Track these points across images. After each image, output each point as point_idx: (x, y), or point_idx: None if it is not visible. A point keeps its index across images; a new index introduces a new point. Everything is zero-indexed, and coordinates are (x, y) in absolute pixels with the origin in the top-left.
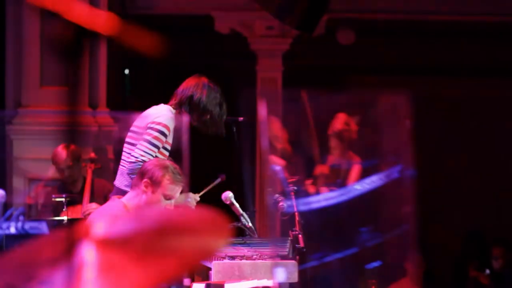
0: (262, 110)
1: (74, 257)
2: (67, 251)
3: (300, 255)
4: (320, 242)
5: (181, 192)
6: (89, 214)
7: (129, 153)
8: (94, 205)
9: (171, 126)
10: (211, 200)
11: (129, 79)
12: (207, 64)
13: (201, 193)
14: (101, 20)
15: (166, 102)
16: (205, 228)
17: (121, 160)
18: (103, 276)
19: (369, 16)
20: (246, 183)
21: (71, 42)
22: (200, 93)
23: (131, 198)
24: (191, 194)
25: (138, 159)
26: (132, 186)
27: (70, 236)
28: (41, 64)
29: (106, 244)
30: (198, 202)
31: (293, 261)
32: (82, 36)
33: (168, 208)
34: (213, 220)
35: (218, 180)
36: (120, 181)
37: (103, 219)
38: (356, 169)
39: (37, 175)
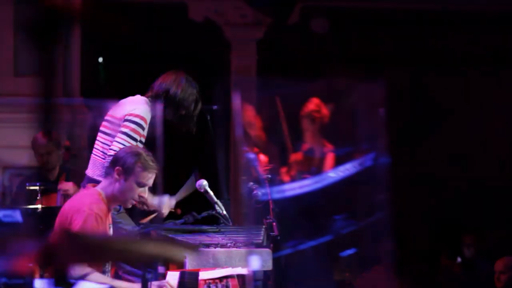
0: (236, 98)
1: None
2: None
3: (274, 243)
4: (295, 229)
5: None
6: (67, 193)
7: (104, 143)
8: (71, 184)
9: (148, 118)
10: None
11: (103, 67)
12: (181, 52)
13: (177, 197)
14: (76, 6)
15: (140, 90)
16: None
17: (94, 149)
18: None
19: (343, 4)
20: (220, 171)
21: (46, 28)
22: (176, 88)
23: (105, 187)
24: (167, 199)
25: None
26: (105, 174)
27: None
28: (15, 52)
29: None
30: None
31: (267, 249)
32: (57, 22)
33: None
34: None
35: (192, 178)
36: (93, 170)
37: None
38: (330, 157)
39: (11, 164)
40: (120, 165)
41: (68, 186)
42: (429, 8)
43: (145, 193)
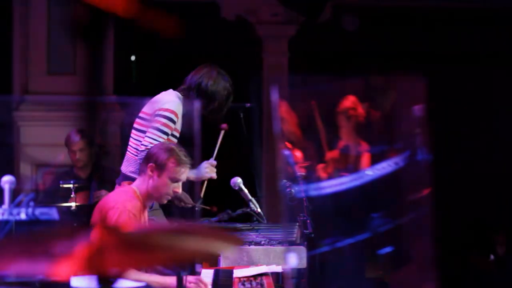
0: (273, 96)
1: (87, 239)
2: (82, 236)
3: (308, 241)
4: (332, 227)
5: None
6: (99, 199)
7: (137, 140)
8: (104, 191)
9: (179, 112)
10: (221, 187)
11: (136, 65)
12: (214, 50)
13: (214, 155)
14: (120, 3)
15: (172, 88)
16: (214, 235)
17: (128, 146)
18: (105, 258)
19: (373, 2)
20: (253, 169)
21: (91, 26)
22: (208, 80)
23: (140, 184)
24: (204, 163)
25: (148, 147)
26: (139, 171)
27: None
28: (48, 50)
29: (116, 231)
30: (215, 166)
31: (301, 247)
32: (102, 20)
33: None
34: (224, 232)
35: (222, 133)
36: (126, 166)
37: (122, 213)
38: (366, 156)
39: (44, 161)
40: (153, 161)
41: (101, 193)
42: (458, 6)
43: (179, 188)
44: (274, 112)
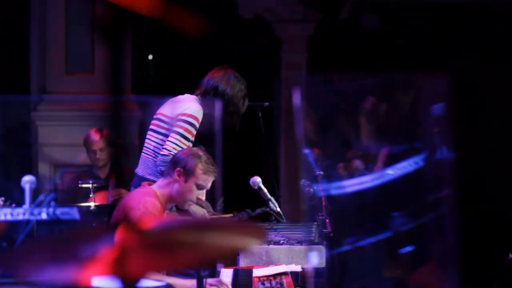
0: (295, 97)
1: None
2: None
3: (327, 240)
4: (354, 226)
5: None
6: (118, 199)
7: (154, 141)
8: (122, 191)
9: (200, 117)
10: (240, 186)
11: (153, 64)
12: (231, 49)
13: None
14: (146, 2)
15: (189, 87)
16: (238, 230)
17: (145, 148)
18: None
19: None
20: (271, 168)
21: (114, 24)
22: (225, 85)
23: (162, 186)
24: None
25: (171, 152)
26: (164, 174)
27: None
28: (66, 49)
29: (138, 232)
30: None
31: (320, 246)
32: (125, 18)
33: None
34: (247, 225)
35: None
36: (143, 169)
37: (143, 214)
38: (383, 155)
39: (62, 161)
40: (181, 166)
41: (119, 192)
42: (477, 2)
43: (203, 196)
44: (296, 112)
